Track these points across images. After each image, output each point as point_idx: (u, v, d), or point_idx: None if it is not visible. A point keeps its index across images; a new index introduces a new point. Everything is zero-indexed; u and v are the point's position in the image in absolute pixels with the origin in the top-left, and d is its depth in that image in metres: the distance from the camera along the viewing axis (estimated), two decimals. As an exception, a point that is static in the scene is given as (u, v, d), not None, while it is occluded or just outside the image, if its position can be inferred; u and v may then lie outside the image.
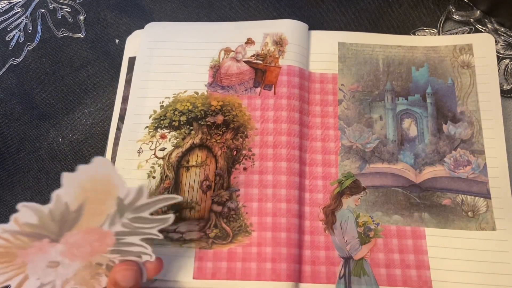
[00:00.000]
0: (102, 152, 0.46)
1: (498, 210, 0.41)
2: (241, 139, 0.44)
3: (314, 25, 0.50)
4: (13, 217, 0.27)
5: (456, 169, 0.43)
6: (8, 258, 0.29)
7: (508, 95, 0.48)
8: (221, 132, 0.44)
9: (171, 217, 0.30)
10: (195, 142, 0.44)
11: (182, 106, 0.46)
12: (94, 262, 0.31)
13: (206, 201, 0.42)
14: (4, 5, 0.55)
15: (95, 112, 0.49)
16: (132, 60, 0.49)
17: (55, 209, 0.28)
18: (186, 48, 0.49)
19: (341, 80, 0.47)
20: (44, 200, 0.29)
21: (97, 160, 0.27)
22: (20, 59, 0.51)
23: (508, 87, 0.48)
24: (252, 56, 0.48)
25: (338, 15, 0.53)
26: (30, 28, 0.53)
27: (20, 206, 0.27)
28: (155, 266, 0.32)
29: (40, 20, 0.53)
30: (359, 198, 0.42)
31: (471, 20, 0.51)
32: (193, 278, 0.39)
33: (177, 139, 0.44)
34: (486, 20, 0.51)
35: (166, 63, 0.48)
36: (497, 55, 0.48)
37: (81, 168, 0.27)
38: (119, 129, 0.46)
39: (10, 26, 0.53)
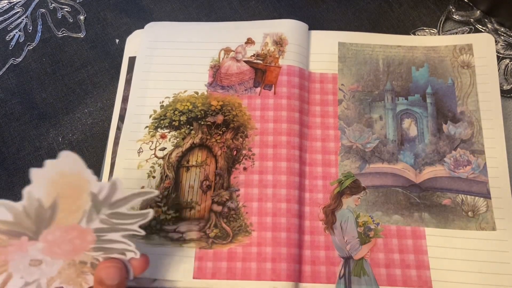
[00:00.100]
0: (102, 152, 0.46)
1: (498, 210, 0.41)
2: (241, 139, 0.44)
3: (314, 25, 0.50)
4: None
5: (456, 169, 0.43)
6: None
7: (508, 95, 0.48)
8: (221, 132, 0.44)
9: (150, 212, 0.30)
10: (195, 142, 0.44)
11: (182, 106, 0.46)
12: (77, 260, 0.31)
13: (206, 201, 0.42)
14: (4, 5, 0.55)
15: (95, 112, 0.49)
16: (132, 60, 0.49)
17: (28, 206, 0.28)
18: (186, 48, 0.49)
19: (341, 80, 0.47)
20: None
21: (64, 154, 0.27)
22: (20, 59, 0.51)
23: (508, 87, 0.48)
24: (252, 56, 0.48)
25: (338, 15, 0.53)
26: (30, 28, 0.53)
27: None
28: (140, 263, 0.32)
29: (40, 20, 0.53)
30: (359, 198, 0.42)
31: (471, 20, 0.51)
32: (193, 278, 0.39)
33: (177, 139, 0.44)
34: (486, 20, 0.51)
35: (166, 63, 0.48)
36: (497, 55, 0.48)
37: (49, 163, 0.27)
38: (119, 129, 0.46)
39: (10, 26, 0.53)
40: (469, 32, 0.51)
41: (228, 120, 0.45)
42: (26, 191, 0.27)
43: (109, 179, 0.43)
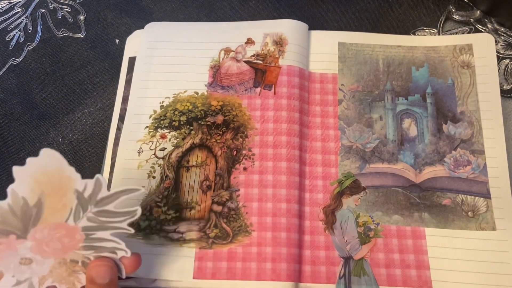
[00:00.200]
0: (102, 152, 0.46)
1: (498, 210, 0.41)
2: (241, 139, 0.44)
3: (314, 25, 0.50)
4: None
5: (456, 169, 0.43)
6: None
7: (508, 95, 0.48)
8: (221, 132, 0.44)
9: (138, 209, 0.30)
10: (195, 142, 0.44)
11: (182, 106, 0.46)
12: (68, 259, 0.31)
13: (206, 201, 0.42)
14: (4, 5, 0.55)
15: (95, 112, 0.49)
16: (132, 60, 0.49)
17: (14, 204, 0.28)
18: (186, 48, 0.49)
19: (341, 80, 0.47)
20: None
21: (45, 152, 0.27)
22: (20, 59, 0.51)
23: (508, 87, 0.48)
24: (252, 56, 0.48)
25: (338, 15, 0.53)
26: (30, 28, 0.53)
27: None
28: (132, 262, 0.32)
29: (40, 20, 0.53)
30: (359, 198, 0.42)
31: (471, 20, 0.51)
32: (193, 278, 0.39)
33: (177, 139, 0.44)
34: (486, 20, 0.51)
35: (166, 63, 0.48)
36: (497, 55, 0.48)
37: (30, 161, 0.27)
38: (119, 129, 0.46)
39: (10, 26, 0.53)
40: (469, 32, 0.51)
41: (228, 120, 0.45)
42: (10, 189, 0.27)
43: (109, 179, 0.43)
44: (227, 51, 0.48)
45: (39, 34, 0.53)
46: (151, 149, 0.44)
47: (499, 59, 0.49)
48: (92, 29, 0.53)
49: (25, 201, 0.28)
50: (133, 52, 0.49)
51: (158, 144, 0.44)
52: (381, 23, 0.52)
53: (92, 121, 0.48)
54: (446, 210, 0.42)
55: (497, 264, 0.39)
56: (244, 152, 0.44)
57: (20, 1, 0.55)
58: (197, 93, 0.46)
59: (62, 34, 0.53)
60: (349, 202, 0.42)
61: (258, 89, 0.46)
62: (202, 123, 0.45)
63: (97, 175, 0.28)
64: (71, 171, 0.28)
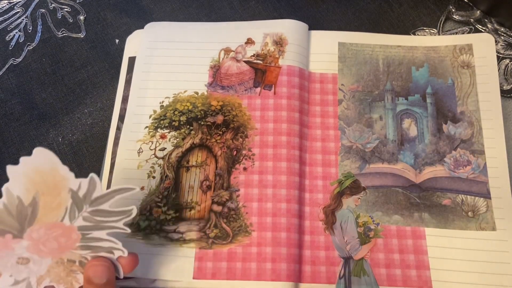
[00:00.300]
0: (102, 152, 0.46)
1: (498, 210, 0.41)
2: (241, 139, 0.44)
3: (314, 25, 0.50)
4: None
5: (456, 169, 0.43)
6: None
7: (508, 95, 0.48)
8: (221, 132, 0.44)
9: (133, 209, 0.30)
10: (195, 142, 0.44)
11: (182, 106, 0.46)
12: (65, 258, 0.31)
13: (206, 201, 0.42)
14: (4, 5, 0.55)
15: (95, 112, 0.49)
16: (132, 60, 0.49)
17: (9, 203, 0.28)
18: (186, 48, 0.49)
19: (341, 80, 0.47)
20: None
21: (38, 151, 0.27)
22: (20, 59, 0.51)
23: (508, 87, 0.48)
24: (252, 56, 0.48)
25: (338, 15, 0.53)
26: (30, 28, 0.53)
27: None
28: (129, 262, 0.32)
29: (40, 20, 0.53)
30: (359, 198, 0.42)
31: (471, 20, 0.51)
32: (193, 278, 0.39)
33: (177, 139, 0.44)
34: (486, 20, 0.51)
35: (166, 63, 0.48)
36: (497, 55, 0.48)
37: (24, 160, 0.27)
38: (119, 129, 0.46)
39: (10, 26, 0.53)
40: (469, 32, 0.51)
41: (228, 120, 0.45)
42: (4, 188, 0.27)
43: (109, 179, 0.43)
44: (227, 51, 0.48)
45: (39, 34, 0.53)
46: (151, 149, 0.44)
47: (499, 59, 0.49)
48: (92, 29, 0.53)
49: (20, 200, 0.28)
50: (133, 52, 0.49)
51: (158, 144, 0.44)
52: (381, 23, 0.52)
53: (92, 121, 0.48)
54: (446, 210, 0.42)
55: (497, 264, 0.39)
56: (244, 152, 0.44)
57: (20, 1, 0.55)
58: (197, 93, 0.46)
59: (62, 34, 0.53)
60: (349, 202, 0.42)
61: (258, 89, 0.46)
62: (202, 123, 0.45)
63: (91, 174, 0.28)
64: (64, 170, 0.28)
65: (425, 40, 0.49)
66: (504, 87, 0.48)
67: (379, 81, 0.47)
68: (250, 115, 0.45)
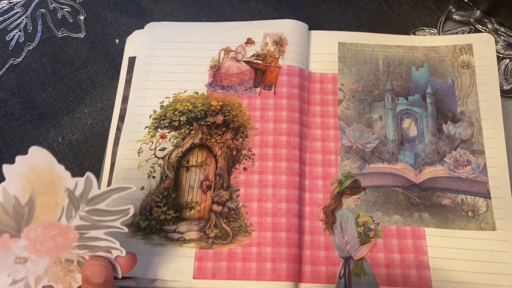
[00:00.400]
0: (102, 152, 0.46)
1: (498, 210, 0.41)
2: (241, 139, 0.44)
3: (314, 25, 0.50)
4: None
5: (456, 169, 0.43)
6: None
7: (508, 95, 0.48)
8: (221, 132, 0.44)
9: (130, 208, 0.30)
10: (195, 142, 0.44)
11: (182, 106, 0.46)
12: (63, 258, 0.31)
13: (206, 201, 0.42)
14: (4, 5, 0.55)
15: (95, 112, 0.49)
16: (132, 60, 0.49)
17: (5, 203, 0.28)
18: (186, 48, 0.49)
19: (341, 80, 0.47)
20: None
21: (33, 150, 0.27)
22: (20, 59, 0.51)
23: (508, 87, 0.48)
24: (252, 56, 0.48)
25: (338, 15, 0.53)
26: (30, 28, 0.53)
27: None
28: (127, 261, 0.32)
29: (40, 20, 0.53)
30: (359, 198, 0.42)
31: (471, 20, 0.51)
32: (193, 278, 0.39)
33: (177, 139, 0.44)
34: (486, 20, 0.51)
35: (166, 63, 0.48)
36: (497, 55, 0.48)
37: (19, 158, 0.27)
38: (119, 129, 0.46)
39: (10, 26, 0.53)
40: (469, 32, 0.51)
41: (228, 120, 0.45)
42: (1, 187, 0.27)
43: (109, 179, 0.43)
44: (227, 51, 0.48)
45: (39, 34, 0.53)
46: (151, 149, 0.44)
47: (499, 59, 0.49)
48: (92, 29, 0.53)
49: (16, 199, 0.28)
50: (133, 52, 0.49)
51: (158, 144, 0.44)
52: (381, 23, 0.52)
53: (92, 121, 0.48)
54: (446, 210, 0.42)
55: (497, 264, 0.39)
56: (244, 152, 0.44)
57: (20, 1, 0.55)
58: (197, 93, 0.46)
59: (62, 34, 0.53)
60: (349, 202, 0.42)
61: (258, 89, 0.46)
62: (202, 123, 0.45)
63: (87, 173, 0.28)
64: (60, 169, 0.28)
65: (425, 40, 0.49)
66: (504, 87, 0.48)
67: (379, 81, 0.47)
68: (250, 115, 0.45)
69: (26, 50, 0.52)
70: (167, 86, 0.47)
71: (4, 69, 0.51)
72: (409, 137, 0.45)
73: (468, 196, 0.42)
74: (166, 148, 0.44)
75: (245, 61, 0.48)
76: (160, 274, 0.39)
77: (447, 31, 0.51)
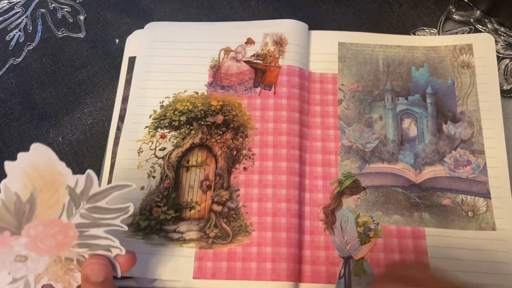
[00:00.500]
0: (102, 152, 0.46)
1: (498, 210, 0.41)
2: (241, 139, 0.44)
3: (314, 25, 0.50)
4: None
5: (456, 169, 0.43)
6: None
7: (508, 95, 0.48)
8: (221, 132, 0.44)
9: (130, 206, 0.30)
10: (195, 142, 0.44)
11: (182, 106, 0.46)
12: (63, 256, 0.31)
13: (206, 201, 0.42)
14: (4, 5, 0.55)
15: (95, 112, 0.49)
16: (132, 60, 0.49)
17: (7, 200, 0.28)
18: (186, 48, 0.49)
19: (341, 80, 0.47)
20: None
21: (35, 147, 0.27)
22: (20, 59, 0.51)
23: (508, 87, 0.48)
24: (252, 56, 0.48)
25: (338, 15, 0.53)
26: (30, 28, 0.53)
27: None
28: (127, 260, 0.32)
29: (40, 20, 0.53)
30: (359, 198, 0.42)
31: (471, 20, 0.51)
32: (193, 278, 0.39)
33: (177, 139, 0.44)
34: (486, 20, 0.51)
35: (166, 63, 0.48)
36: (497, 55, 0.48)
37: (21, 155, 0.27)
38: (119, 129, 0.46)
39: (10, 26, 0.53)
40: (469, 32, 0.51)
41: (228, 120, 0.45)
42: (2, 184, 0.27)
43: (109, 179, 0.43)
44: (227, 51, 0.48)
45: (39, 34, 0.53)
46: (151, 149, 0.44)
47: (499, 59, 0.49)
48: (92, 29, 0.53)
49: (17, 196, 0.28)
50: (133, 52, 0.49)
51: (158, 144, 0.44)
52: (381, 23, 0.52)
53: (92, 121, 0.48)
54: (446, 210, 0.42)
55: (497, 264, 0.39)
56: (244, 152, 0.44)
57: (20, 1, 0.55)
58: (197, 93, 0.46)
59: (62, 34, 0.53)
60: (349, 202, 0.42)
61: (258, 89, 0.46)
62: (202, 123, 0.45)
63: (88, 170, 0.28)
64: (61, 166, 0.28)
65: (425, 40, 0.49)
66: (504, 87, 0.48)
67: (379, 81, 0.47)
68: (250, 115, 0.45)
69: (26, 50, 0.52)
70: (167, 86, 0.47)
71: (4, 69, 0.51)
72: (409, 137, 0.45)
73: (468, 196, 0.42)
74: (166, 148, 0.44)
75: (245, 61, 0.48)
76: (160, 274, 0.39)
77: (447, 31, 0.51)
